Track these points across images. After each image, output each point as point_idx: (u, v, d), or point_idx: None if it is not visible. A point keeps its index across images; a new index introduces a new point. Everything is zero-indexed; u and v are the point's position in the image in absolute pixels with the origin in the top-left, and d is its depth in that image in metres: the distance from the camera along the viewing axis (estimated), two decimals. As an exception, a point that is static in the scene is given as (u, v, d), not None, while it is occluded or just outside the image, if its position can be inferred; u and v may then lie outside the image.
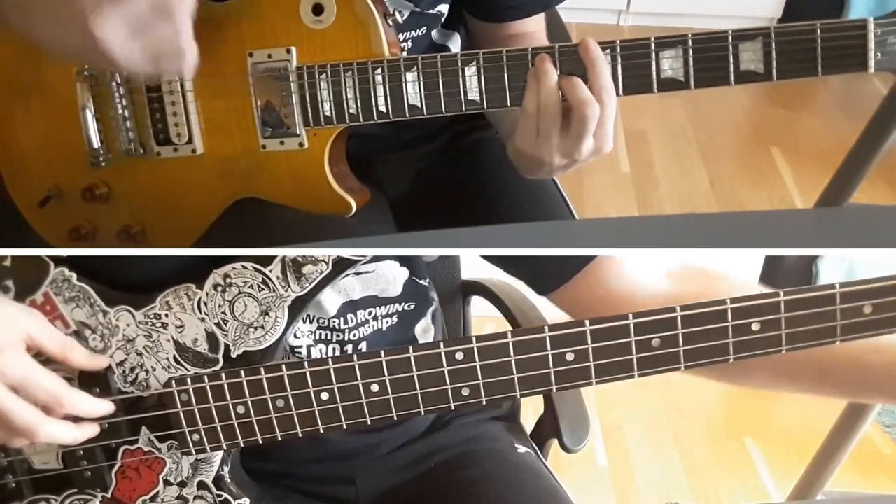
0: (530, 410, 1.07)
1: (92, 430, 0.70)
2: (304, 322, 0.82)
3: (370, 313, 0.84)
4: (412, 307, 0.87)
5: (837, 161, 1.72)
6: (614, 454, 2.06)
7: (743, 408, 2.30)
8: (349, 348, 0.85)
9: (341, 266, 0.71)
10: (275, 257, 0.70)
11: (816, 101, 3.14)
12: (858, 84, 3.16)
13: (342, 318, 0.83)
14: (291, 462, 0.88)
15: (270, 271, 0.71)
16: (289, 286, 0.71)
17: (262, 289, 0.71)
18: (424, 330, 0.92)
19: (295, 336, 0.82)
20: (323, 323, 0.83)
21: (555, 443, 1.05)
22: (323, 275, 0.71)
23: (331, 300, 0.81)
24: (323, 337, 0.84)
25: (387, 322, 0.86)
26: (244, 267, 0.71)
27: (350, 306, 0.83)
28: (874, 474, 2.03)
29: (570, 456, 1.04)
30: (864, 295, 0.65)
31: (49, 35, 0.72)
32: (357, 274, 0.80)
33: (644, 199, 2.52)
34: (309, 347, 0.83)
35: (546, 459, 1.03)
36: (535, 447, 1.00)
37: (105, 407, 0.70)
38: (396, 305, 0.86)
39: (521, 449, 0.95)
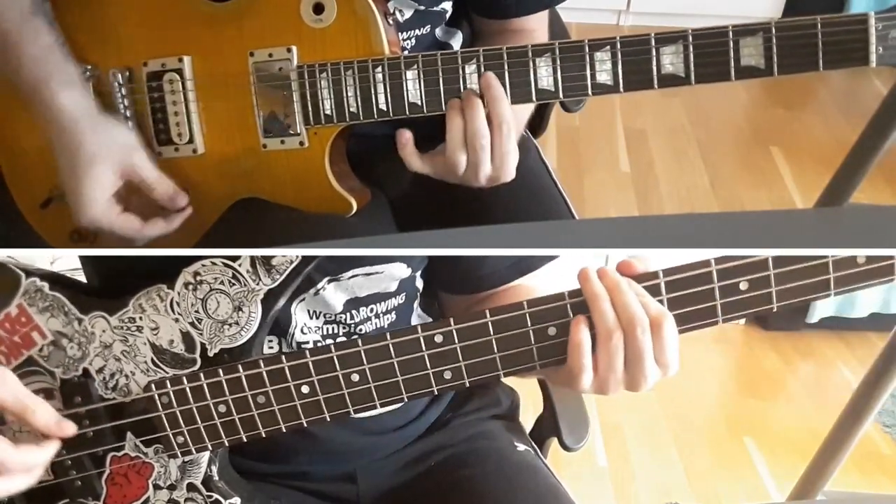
0: (530, 409, 1.06)
1: (47, 452, 0.69)
2: (311, 318, 0.82)
3: (371, 310, 0.84)
4: (403, 299, 0.88)
5: (837, 161, 1.72)
6: (614, 454, 2.05)
7: (743, 408, 2.30)
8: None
9: (310, 256, 0.70)
10: None
11: (816, 100, 3.14)
12: (858, 83, 3.15)
13: (348, 314, 0.83)
14: (293, 462, 0.88)
15: (240, 265, 0.70)
16: (259, 279, 0.70)
17: (234, 284, 0.70)
18: (419, 319, 0.92)
19: (302, 332, 0.82)
20: (330, 318, 0.83)
21: (554, 442, 1.05)
22: (293, 265, 0.70)
23: (336, 297, 0.81)
24: (330, 332, 0.84)
25: (388, 319, 0.86)
26: (213, 263, 0.70)
27: (354, 303, 0.83)
28: (874, 474, 2.02)
29: (570, 456, 1.03)
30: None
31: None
32: (367, 275, 0.80)
33: (644, 199, 2.52)
34: (316, 343, 0.83)
35: (546, 458, 1.03)
36: (535, 446, 1.00)
37: (52, 447, 0.69)
38: (393, 300, 0.86)
39: (521, 447, 0.95)
